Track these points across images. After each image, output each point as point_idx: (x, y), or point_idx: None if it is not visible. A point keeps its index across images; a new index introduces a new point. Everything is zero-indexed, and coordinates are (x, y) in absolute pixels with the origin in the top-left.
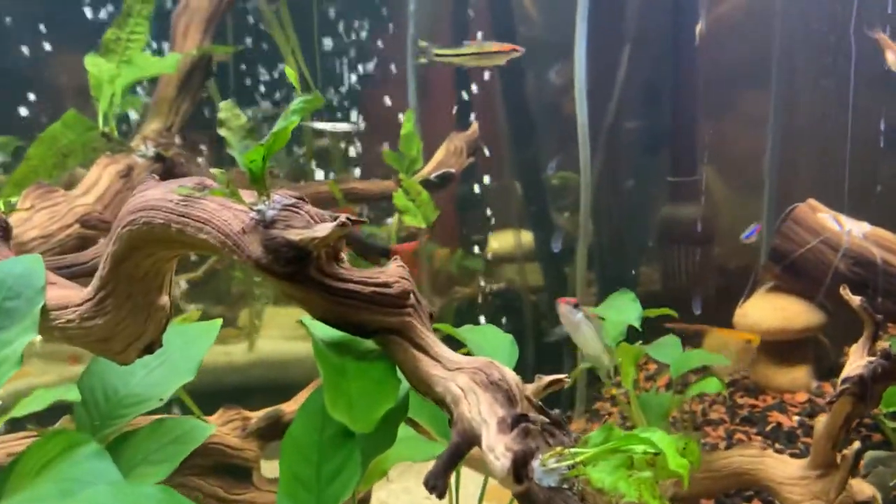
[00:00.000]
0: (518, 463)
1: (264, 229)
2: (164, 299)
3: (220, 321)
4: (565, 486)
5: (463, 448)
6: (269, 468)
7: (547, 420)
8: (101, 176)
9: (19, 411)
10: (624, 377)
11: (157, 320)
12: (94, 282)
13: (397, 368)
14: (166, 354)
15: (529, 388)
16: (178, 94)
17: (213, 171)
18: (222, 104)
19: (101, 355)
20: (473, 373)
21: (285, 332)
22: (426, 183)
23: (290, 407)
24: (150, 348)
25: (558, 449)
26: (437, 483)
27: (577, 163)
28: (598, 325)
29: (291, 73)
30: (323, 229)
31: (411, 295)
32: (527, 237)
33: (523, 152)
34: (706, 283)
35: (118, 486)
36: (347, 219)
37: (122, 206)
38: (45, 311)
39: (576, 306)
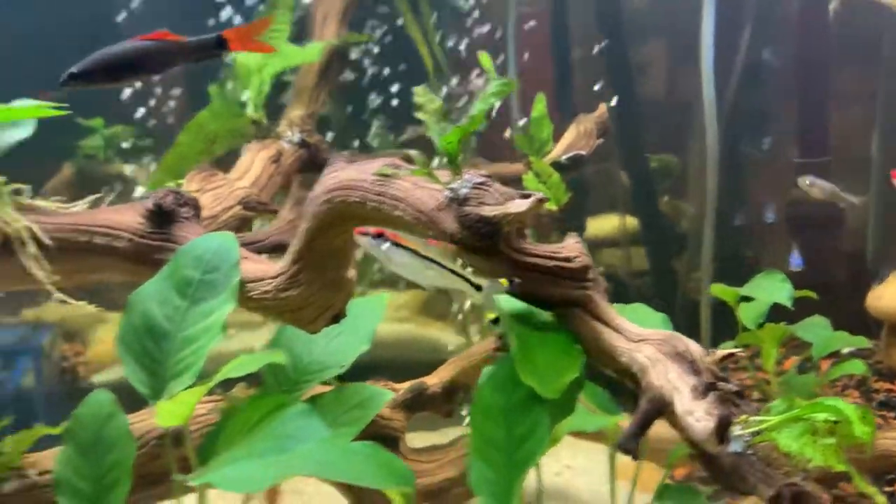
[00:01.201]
0: (721, 425)
1: (458, 206)
2: (352, 272)
3: (386, 296)
4: (749, 451)
5: (652, 413)
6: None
7: (731, 389)
8: (253, 161)
9: (227, 374)
10: (765, 358)
11: (345, 292)
12: (288, 256)
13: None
14: (342, 326)
15: (707, 361)
16: (317, 83)
17: (410, 152)
18: (417, 90)
19: (292, 324)
20: (659, 344)
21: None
22: (556, 165)
23: (431, 380)
24: (336, 318)
25: (743, 416)
26: (630, 446)
27: (677, 144)
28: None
29: (486, 60)
30: (517, 205)
31: (591, 270)
32: (630, 221)
33: (628, 135)
34: (836, 265)
35: (329, 442)
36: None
37: (273, 189)
38: (241, 283)
39: (378, 236)
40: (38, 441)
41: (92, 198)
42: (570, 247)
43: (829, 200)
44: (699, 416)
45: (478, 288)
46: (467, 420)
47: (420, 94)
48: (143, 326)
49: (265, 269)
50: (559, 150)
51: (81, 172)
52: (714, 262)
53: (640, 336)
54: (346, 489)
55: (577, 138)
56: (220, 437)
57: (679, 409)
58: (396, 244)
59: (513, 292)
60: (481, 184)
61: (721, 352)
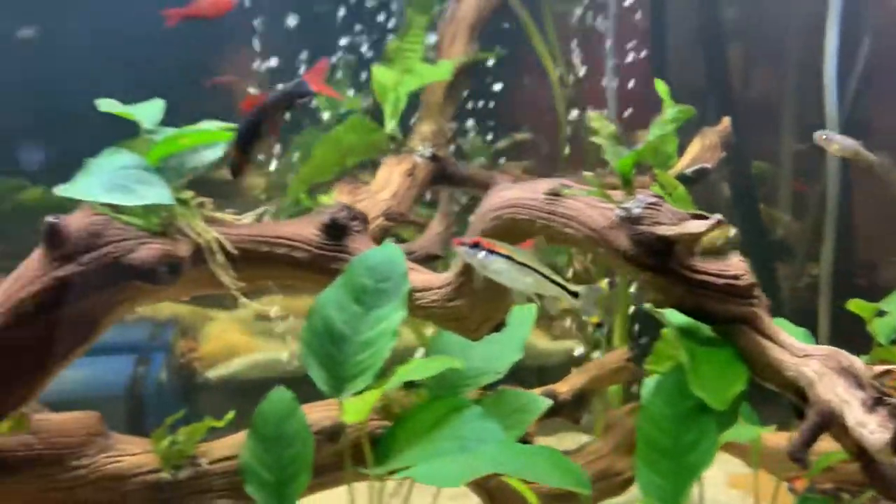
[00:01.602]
0: None
1: (631, 225)
2: None
3: (534, 306)
4: None
5: (821, 426)
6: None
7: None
8: (392, 174)
9: (406, 377)
10: None
11: (507, 303)
12: (455, 268)
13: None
14: (492, 335)
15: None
16: (445, 98)
17: (585, 174)
18: (592, 115)
19: (456, 332)
20: (824, 359)
21: None
22: (682, 177)
23: (562, 387)
24: (498, 328)
25: None
26: (801, 455)
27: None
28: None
29: (662, 88)
30: (695, 226)
31: (756, 288)
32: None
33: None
34: None
35: (508, 444)
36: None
37: (408, 201)
38: (410, 292)
39: (474, 245)
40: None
41: (259, 210)
42: (736, 265)
43: (850, 158)
44: (872, 428)
45: (574, 294)
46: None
47: (595, 119)
48: (324, 330)
49: (430, 280)
50: (684, 162)
51: (201, 179)
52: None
53: (804, 351)
54: (479, 487)
55: (701, 151)
56: (397, 436)
57: (851, 422)
58: (492, 251)
59: (681, 308)
60: (653, 204)
61: (879, 367)
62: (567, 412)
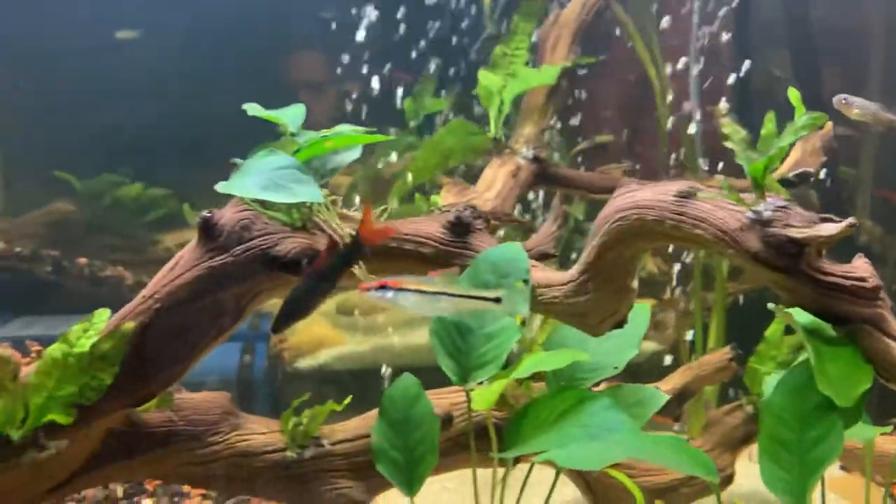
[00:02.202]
0: None
1: (762, 227)
2: (635, 283)
3: (649, 303)
4: None
5: None
6: None
7: None
8: (496, 175)
9: (532, 369)
10: None
11: (628, 301)
12: (578, 266)
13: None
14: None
15: None
16: (546, 102)
17: (717, 177)
18: (724, 122)
19: (578, 327)
20: None
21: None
22: (784, 182)
23: (664, 386)
24: (619, 324)
25: None
26: None
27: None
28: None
29: (794, 95)
30: (828, 229)
31: (881, 290)
32: None
33: None
34: None
35: (638, 433)
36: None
37: (512, 201)
38: (532, 288)
39: (381, 288)
40: None
41: (381, 209)
42: (862, 267)
43: (871, 122)
44: None
45: (496, 300)
46: (676, 426)
47: (728, 126)
48: (452, 323)
49: (552, 277)
50: (786, 167)
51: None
52: None
53: None
54: (578, 477)
55: (803, 156)
56: (522, 424)
57: None
58: (399, 289)
59: (809, 308)
60: (783, 207)
61: None
62: (668, 410)
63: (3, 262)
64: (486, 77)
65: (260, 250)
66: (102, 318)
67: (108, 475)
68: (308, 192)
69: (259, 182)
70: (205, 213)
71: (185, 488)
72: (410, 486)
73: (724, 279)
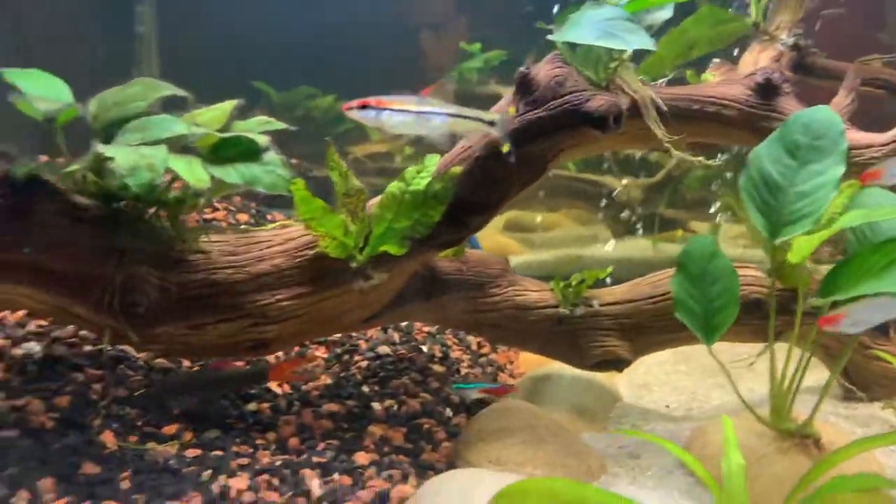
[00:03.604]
0: None
1: None
2: None
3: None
4: None
5: None
6: None
7: None
8: (758, 60)
9: (846, 224)
10: None
11: None
12: None
13: None
14: None
15: None
16: None
17: None
18: None
19: None
20: None
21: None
22: None
23: None
24: None
25: None
26: None
27: None
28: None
29: None
30: None
31: None
32: None
33: None
34: None
35: None
36: None
37: None
38: (847, 149)
39: (363, 107)
40: None
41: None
42: None
43: None
44: None
45: (491, 123)
46: None
47: None
48: (760, 180)
49: (872, 138)
50: None
51: (459, 92)
52: None
53: None
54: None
55: None
56: (841, 276)
57: None
58: (383, 109)
59: None
60: None
61: None
62: None
63: None
64: None
65: (572, 105)
66: (433, 161)
67: (408, 313)
68: (640, 40)
69: (592, 31)
70: (522, 69)
71: None
72: (708, 335)
73: None
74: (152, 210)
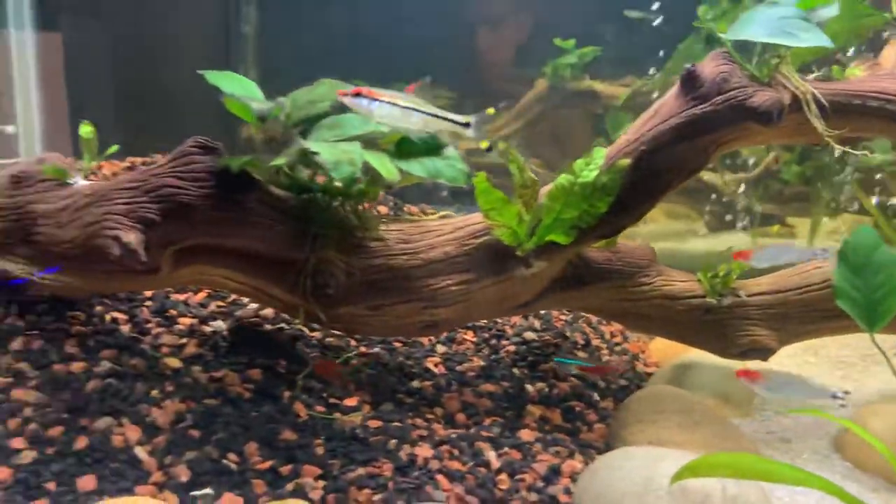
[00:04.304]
0: None
1: None
2: None
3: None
4: None
5: None
6: None
7: None
8: (892, 54)
9: None
10: None
11: None
12: None
13: None
14: None
15: None
16: None
17: None
18: None
19: None
20: None
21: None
22: None
23: None
24: None
25: None
26: None
27: None
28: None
29: None
30: None
31: None
32: None
33: None
34: None
35: None
36: None
37: None
38: None
39: (357, 95)
40: None
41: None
42: None
43: None
44: None
45: (466, 125)
46: None
47: None
48: None
49: None
50: None
51: (553, 88)
52: None
53: None
54: None
55: None
56: None
57: None
58: (375, 99)
59: None
60: None
61: None
62: None
63: None
64: None
65: (737, 100)
66: (600, 154)
67: (561, 300)
68: (815, 37)
69: (766, 30)
70: (688, 66)
71: None
72: (871, 323)
73: None
74: (338, 201)
